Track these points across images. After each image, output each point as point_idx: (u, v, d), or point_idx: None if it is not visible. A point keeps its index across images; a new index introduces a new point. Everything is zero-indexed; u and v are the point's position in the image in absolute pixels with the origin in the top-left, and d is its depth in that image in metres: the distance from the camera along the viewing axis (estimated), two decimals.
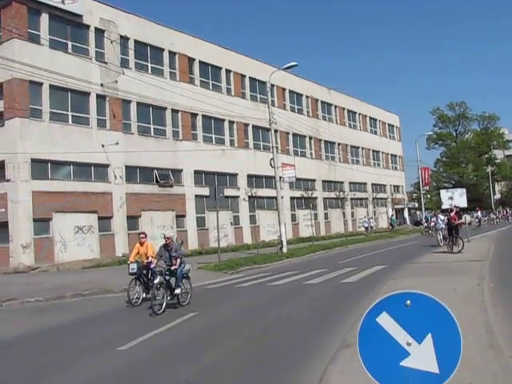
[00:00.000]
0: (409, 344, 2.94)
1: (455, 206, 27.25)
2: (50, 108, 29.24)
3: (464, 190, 31.49)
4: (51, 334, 10.59)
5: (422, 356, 2.91)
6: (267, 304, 13.21)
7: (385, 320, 2.98)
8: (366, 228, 50.82)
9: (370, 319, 3.02)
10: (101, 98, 31.90)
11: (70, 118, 30.36)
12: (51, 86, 29.01)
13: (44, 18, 29.34)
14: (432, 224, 36.82)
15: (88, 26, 31.67)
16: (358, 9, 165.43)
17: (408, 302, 2.95)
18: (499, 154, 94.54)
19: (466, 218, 46.55)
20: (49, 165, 28.93)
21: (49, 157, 28.28)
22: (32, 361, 8.39)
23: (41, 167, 28.48)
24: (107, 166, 31.72)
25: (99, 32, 32.22)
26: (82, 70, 30.54)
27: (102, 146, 31.05)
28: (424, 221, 47.42)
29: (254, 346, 8.54)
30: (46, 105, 29.05)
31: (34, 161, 27.88)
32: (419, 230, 48.91)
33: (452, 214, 25.35)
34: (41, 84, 28.59)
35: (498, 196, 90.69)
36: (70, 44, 30.72)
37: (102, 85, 31.66)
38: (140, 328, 10.22)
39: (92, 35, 31.83)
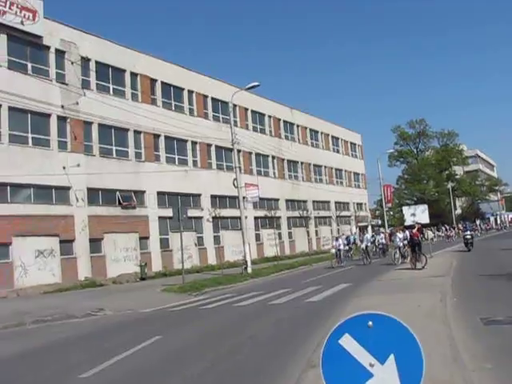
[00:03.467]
0: (372, 365, 2.94)
1: (417, 223, 27.70)
2: (10, 130, 28.76)
3: (426, 207, 32.04)
4: (9, 364, 10.28)
5: (385, 377, 2.92)
6: (232, 326, 13.13)
7: (347, 342, 2.98)
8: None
9: (332, 341, 3.01)
10: (62, 119, 31.55)
11: (30, 139, 29.89)
12: (10, 108, 28.58)
13: (2, 39, 28.91)
14: (363, 245, 33.23)
15: (48, 47, 31.38)
16: (320, 27, 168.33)
17: (370, 323, 2.96)
18: (459, 170, 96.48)
19: (429, 234, 47.23)
20: (8, 188, 28.33)
21: (8, 180, 27.70)
22: None
23: (0, 190, 27.89)
24: (68, 188, 31.26)
25: (60, 53, 31.94)
26: (43, 92, 30.19)
27: (63, 168, 30.63)
28: (345, 243, 36.99)
29: (219, 369, 8.44)
30: (5, 127, 28.57)
31: None
32: None
33: (414, 230, 25.74)
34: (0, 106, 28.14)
35: (459, 211, 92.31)
36: (29, 65, 30.35)
37: (62, 106, 31.32)
38: (103, 354, 10.01)
39: (52, 56, 31.54)
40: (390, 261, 29.33)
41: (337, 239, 33.97)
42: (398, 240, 29.17)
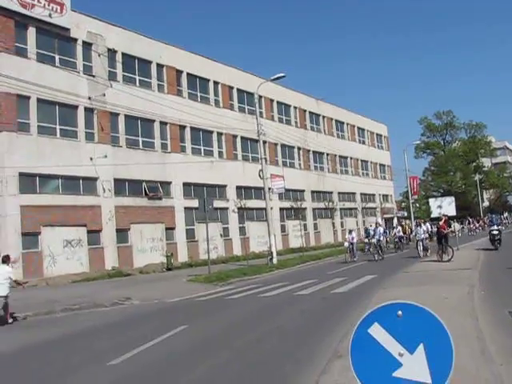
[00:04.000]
0: (401, 354, 2.94)
1: (444, 215, 27.41)
2: (38, 121, 29.17)
3: (453, 199, 31.68)
4: (40, 350, 10.47)
5: (414, 366, 2.92)
6: (258, 316, 13.17)
7: (376, 331, 2.98)
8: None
9: (361, 330, 3.02)
10: (89, 111, 31.88)
11: (58, 131, 30.28)
12: (39, 100, 28.97)
13: (31, 32, 29.32)
14: (375, 239, 31.33)
15: (75, 40, 31.70)
16: (346, 18, 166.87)
17: (399, 312, 2.96)
18: (487, 162, 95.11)
19: (456, 226, 46.71)
20: (37, 178, 28.79)
21: (37, 170, 28.18)
22: (21, 378, 8.30)
23: (29, 181, 28.32)
24: (96, 179, 31.62)
25: (87, 45, 32.24)
26: (70, 84, 30.52)
27: (91, 159, 30.98)
28: (364, 235, 39.36)
29: (246, 357, 8.49)
30: (34, 118, 28.98)
31: (21, 175, 27.75)
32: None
33: (441, 222, 25.50)
34: (28, 98, 28.53)
35: (486, 204, 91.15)
36: (57, 57, 30.71)
37: (89, 98, 31.64)
38: (131, 342, 10.14)
39: (79, 48, 31.85)
40: (406, 255, 29.17)
41: (350, 232, 32.23)
42: (421, 232, 28.35)
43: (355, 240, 31.28)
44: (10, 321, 14.33)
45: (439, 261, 22.86)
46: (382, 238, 31.14)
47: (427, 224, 28.11)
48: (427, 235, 27.27)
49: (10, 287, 14.33)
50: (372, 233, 34.94)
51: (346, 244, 31.13)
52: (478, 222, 66.53)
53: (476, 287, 13.74)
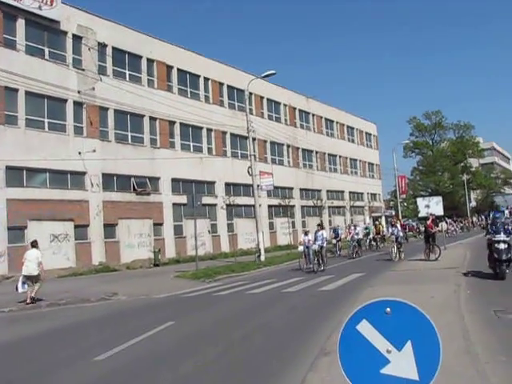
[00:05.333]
0: (389, 351, 2.94)
1: (431, 214, 27.53)
2: (26, 114, 28.96)
3: (440, 198, 31.85)
4: (25, 346, 10.39)
5: (402, 363, 2.91)
6: (245, 312, 13.16)
7: (365, 328, 2.98)
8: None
9: (350, 327, 3.01)
10: (78, 104, 31.70)
11: (46, 124, 30.09)
12: (27, 93, 28.76)
13: (20, 24, 29.09)
14: (316, 245, 23.62)
15: (65, 33, 31.49)
16: (336, 18, 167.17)
17: (388, 309, 2.96)
18: (474, 163, 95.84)
19: (443, 225, 46.76)
20: (24, 172, 28.60)
21: (24, 164, 27.99)
22: (5, 374, 8.22)
23: (16, 174, 28.13)
24: (84, 173, 31.47)
25: (77, 38, 32.04)
26: (59, 77, 30.33)
27: (79, 153, 30.82)
28: (332, 235, 34.40)
29: (232, 354, 8.48)
30: (22, 111, 28.77)
31: (8, 168, 27.56)
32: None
33: (428, 222, 25.62)
34: (16, 90, 28.33)
35: (473, 204, 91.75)
36: (46, 50, 30.49)
37: (79, 92, 31.46)
38: (117, 338, 10.09)
39: (69, 42, 31.65)
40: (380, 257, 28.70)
41: (306, 234, 25.00)
42: (396, 232, 26.16)
43: (311, 243, 23.74)
44: (28, 301, 15.88)
45: (426, 260, 23.00)
46: (325, 245, 24.21)
47: (397, 225, 27.39)
48: (401, 235, 26.74)
49: (36, 270, 16.41)
50: (338, 232, 33.33)
51: (301, 248, 24.38)
52: (462, 223, 65.15)
53: (462, 286, 13.82)
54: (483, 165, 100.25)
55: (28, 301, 15.90)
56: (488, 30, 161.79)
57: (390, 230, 28.75)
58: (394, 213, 68.02)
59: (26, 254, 17.14)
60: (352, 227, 33.18)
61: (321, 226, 25.24)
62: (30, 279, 16.34)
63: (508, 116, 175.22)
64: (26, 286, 16.26)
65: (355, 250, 30.62)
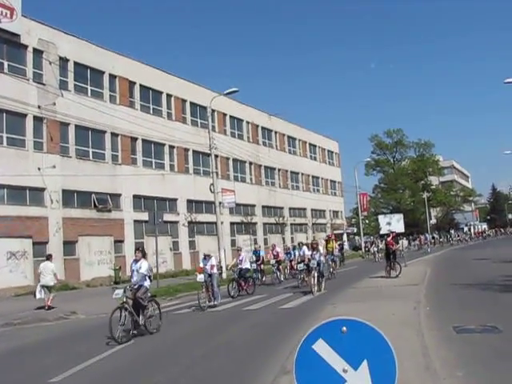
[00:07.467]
0: (345, 371, 2.95)
1: (392, 231, 27.92)
2: None
3: (401, 216, 32.44)
4: None
5: (358, 382, 2.93)
6: (206, 331, 13.07)
7: (321, 347, 2.98)
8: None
9: (306, 346, 3.01)
10: (38, 120, 31.21)
11: (4, 139, 29.53)
12: None
13: None
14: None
15: (26, 46, 31.05)
16: (299, 32, 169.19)
17: (344, 328, 2.97)
18: (434, 181, 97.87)
19: (403, 243, 47.21)
20: None
21: None
22: None
23: None
24: (43, 189, 30.92)
25: (38, 52, 31.63)
26: (19, 91, 29.84)
27: (39, 169, 30.31)
28: (253, 257, 27.16)
29: (192, 374, 8.40)
30: None
31: None
32: (359, 255, 49.67)
33: (389, 238, 25.93)
34: None
35: (433, 221, 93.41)
36: (6, 64, 30.01)
37: (39, 107, 30.99)
38: (74, 358, 9.87)
39: (30, 55, 31.21)
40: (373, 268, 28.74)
41: (205, 258, 18.51)
42: (318, 257, 20.09)
43: (212, 270, 18.14)
44: (46, 307, 18.39)
45: (387, 277, 23.20)
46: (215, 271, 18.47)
47: (304, 247, 23.31)
48: (322, 261, 20.55)
49: (53, 280, 19.38)
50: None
51: (200, 277, 17.82)
52: (414, 241, 60.19)
53: (422, 303, 14.01)
54: (443, 183, 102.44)
55: (47, 307, 18.49)
56: (446, 45, 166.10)
57: (302, 253, 23.06)
58: (355, 230, 68.27)
59: (41, 266, 19.61)
60: (276, 247, 28.81)
61: (208, 256, 18.54)
62: (47, 288, 19.02)
63: (467, 134, 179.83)
64: (42, 292, 18.92)
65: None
